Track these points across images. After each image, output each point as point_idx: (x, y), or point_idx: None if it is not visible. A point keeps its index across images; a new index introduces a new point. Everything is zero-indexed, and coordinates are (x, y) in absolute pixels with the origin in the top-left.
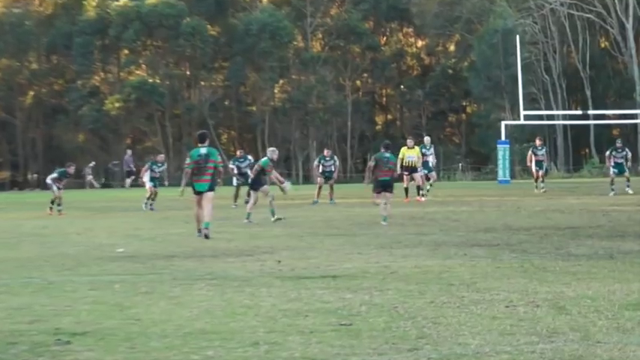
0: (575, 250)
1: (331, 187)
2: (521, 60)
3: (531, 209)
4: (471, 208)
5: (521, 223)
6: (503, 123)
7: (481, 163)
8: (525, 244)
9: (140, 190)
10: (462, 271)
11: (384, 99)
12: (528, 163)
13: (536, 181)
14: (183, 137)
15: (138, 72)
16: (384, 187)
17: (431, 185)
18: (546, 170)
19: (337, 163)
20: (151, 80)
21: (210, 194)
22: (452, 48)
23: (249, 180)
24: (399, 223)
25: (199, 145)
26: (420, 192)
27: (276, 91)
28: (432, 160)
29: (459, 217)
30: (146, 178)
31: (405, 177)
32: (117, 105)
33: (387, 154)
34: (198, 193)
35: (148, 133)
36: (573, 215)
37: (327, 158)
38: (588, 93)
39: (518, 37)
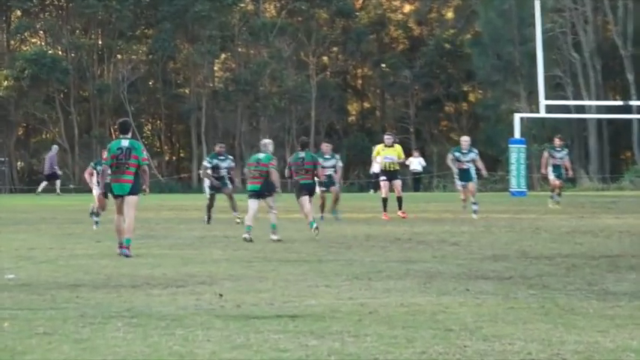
0: (614, 287)
1: (336, 197)
2: (542, 33)
3: (555, 231)
4: (474, 228)
5: (541, 250)
6: (517, 116)
7: (488, 168)
8: (547, 278)
9: (47, 197)
10: (462, 311)
11: (360, 81)
12: (543, 169)
13: (552, 191)
14: (94, 128)
15: (34, 40)
16: (307, 190)
17: (464, 201)
18: (570, 179)
19: (340, 163)
20: (51, 52)
21: (133, 199)
22: (450, 15)
23: (260, 186)
24: (379, 246)
25: (121, 136)
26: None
27: (216, 68)
28: (480, 166)
29: (459, 239)
30: (95, 184)
31: (382, 184)
32: (5, 84)
33: (302, 154)
34: (118, 197)
35: (46, 121)
36: (611, 240)
37: (327, 156)
38: (631, 77)
39: (538, 1)
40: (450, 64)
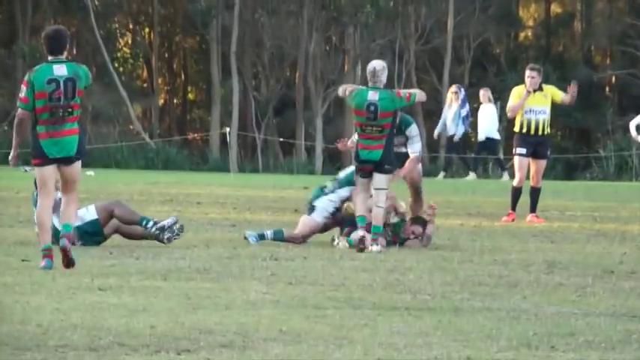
0: None
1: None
2: None
3: None
4: None
5: None
6: None
7: None
8: None
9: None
10: None
11: None
12: None
13: None
14: (20, 37)
15: None
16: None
17: None
18: None
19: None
20: None
21: (79, 166)
22: None
23: (382, 152)
24: (572, 283)
25: (50, 58)
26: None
27: None
28: None
29: None
30: None
31: (517, 161)
32: None
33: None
34: (53, 162)
35: None
36: None
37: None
38: None
39: None
40: None
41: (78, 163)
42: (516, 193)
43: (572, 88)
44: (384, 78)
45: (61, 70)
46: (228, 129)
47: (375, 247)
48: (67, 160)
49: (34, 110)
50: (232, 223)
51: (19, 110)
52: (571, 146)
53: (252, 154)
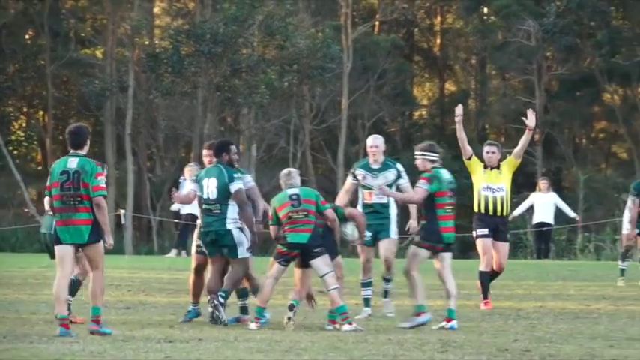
0: None
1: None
2: None
3: None
4: None
5: None
6: None
7: None
8: None
9: None
10: None
11: (438, 41)
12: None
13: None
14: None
15: None
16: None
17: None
18: None
19: (405, 179)
20: None
21: (95, 249)
22: None
23: (309, 236)
24: None
25: (71, 151)
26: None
27: (156, 10)
28: None
29: None
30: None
31: (480, 244)
32: None
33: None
34: (68, 245)
35: None
36: None
37: (375, 167)
38: None
39: None
40: (616, 10)
41: (95, 245)
42: (485, 278)
43: (530, 114)
44: (298, 180)
45: (72, 164)
46: (123, 211)
47: (347, 327)
48: (82, 245)
49: (52, 198)
50: (127, 306)
51: (46, 198)
52: (465, 224)
53: (148, 235)
